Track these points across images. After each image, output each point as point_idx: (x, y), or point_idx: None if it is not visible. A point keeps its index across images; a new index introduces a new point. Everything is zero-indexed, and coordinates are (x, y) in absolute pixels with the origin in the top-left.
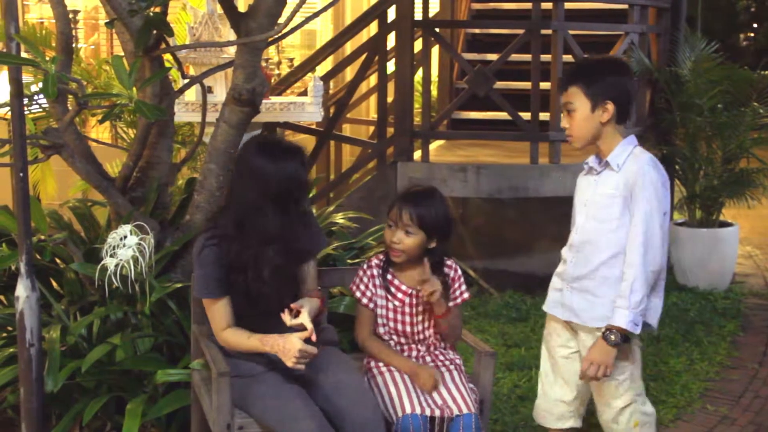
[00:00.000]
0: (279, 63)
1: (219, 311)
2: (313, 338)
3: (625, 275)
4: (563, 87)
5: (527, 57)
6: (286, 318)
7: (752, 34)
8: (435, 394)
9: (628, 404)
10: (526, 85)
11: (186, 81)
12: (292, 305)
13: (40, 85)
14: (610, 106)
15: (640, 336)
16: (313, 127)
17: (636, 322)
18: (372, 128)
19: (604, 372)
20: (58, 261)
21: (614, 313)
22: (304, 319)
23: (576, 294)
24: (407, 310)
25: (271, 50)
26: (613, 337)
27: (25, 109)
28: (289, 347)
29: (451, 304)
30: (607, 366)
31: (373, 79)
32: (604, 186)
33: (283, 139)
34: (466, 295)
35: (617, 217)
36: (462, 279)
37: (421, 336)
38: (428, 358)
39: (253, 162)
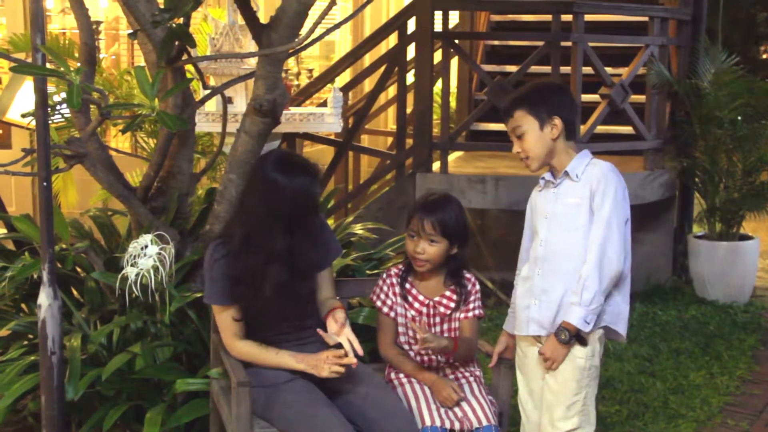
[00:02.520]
0: (298, 74)
1: (228, 319)
2: (351, 359)
3: (580, 273)
4: (508, 114)
5: (547, 69)
6: (328, 339)
7: None
8: (455, 407)
9: (575, 428)
10: None
11: (207, 92)
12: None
13: (63, 95)
14: (558, 121)
15: (604, 348)
16: (332, 137)
17: (587, 320)
18: (390, 139)
19: (550, 366)
20: (79, 270)
21: (567, 310)
22: (344, 338)
23: (544, 306)
24: (425, 319)
25: (291, 61)
26: (563, 335)
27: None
28: (322, 358)
29: (462, 315)
30: (557, 362)
31: (391, 91)
32: (567, 196)
33: (299, 155)
34: (479, 312)
35: (584, 225)
36: (479, 294)
37: None
38: (447, 370)
39: (266, 176)
